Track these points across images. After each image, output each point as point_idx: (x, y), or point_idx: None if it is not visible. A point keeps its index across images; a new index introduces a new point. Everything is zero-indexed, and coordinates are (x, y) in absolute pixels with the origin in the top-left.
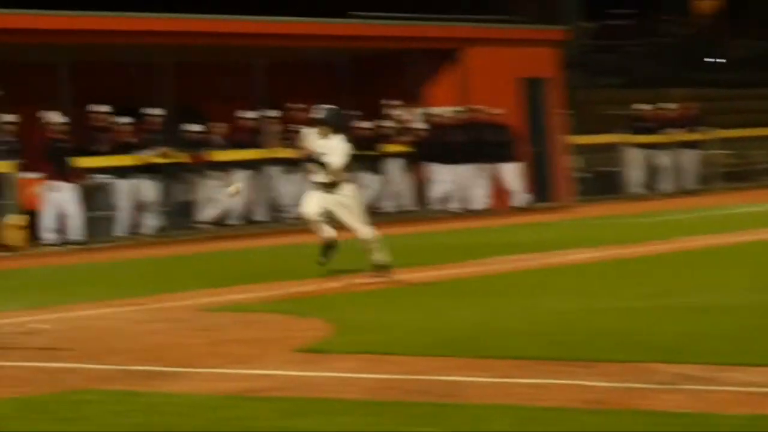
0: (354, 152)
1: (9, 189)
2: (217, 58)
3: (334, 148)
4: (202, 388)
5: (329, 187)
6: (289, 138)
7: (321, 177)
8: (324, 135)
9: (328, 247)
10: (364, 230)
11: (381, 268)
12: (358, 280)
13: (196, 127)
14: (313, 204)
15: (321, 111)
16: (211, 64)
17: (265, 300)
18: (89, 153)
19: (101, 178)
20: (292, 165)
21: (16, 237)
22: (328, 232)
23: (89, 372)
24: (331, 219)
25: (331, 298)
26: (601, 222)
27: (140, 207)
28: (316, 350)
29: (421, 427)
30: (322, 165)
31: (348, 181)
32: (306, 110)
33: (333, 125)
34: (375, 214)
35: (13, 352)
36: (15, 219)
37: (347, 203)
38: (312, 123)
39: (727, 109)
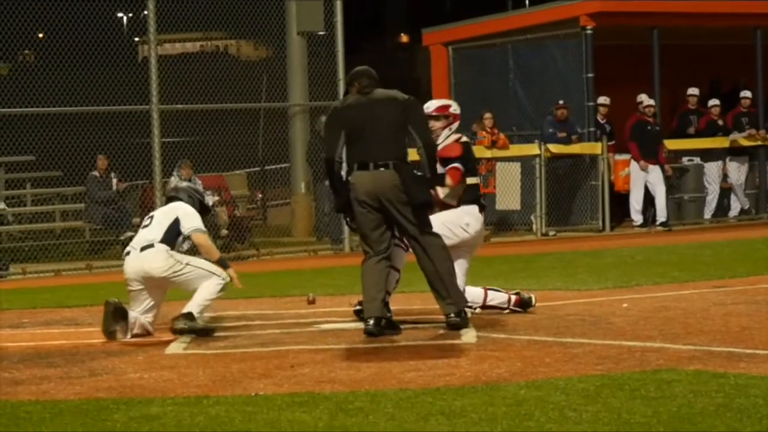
0: None
1: (602, 170)
2: None
3: None
4: None
5: None
6: None
7: None
8: None
9: None
10: None
11: None
12: None
13: None
14: None
15: None
16: None
17: None
18: (679, 135)
19: (690, 161)
20: None
21: None
22: None
23: (672, 351)
24: None
25: None
26: None
27: (728, 190)
28: None
29: None
30: None
31: None
32: None
33: None
34: None
35: (598, 330)
36: None
37: None
38: None
39: None
